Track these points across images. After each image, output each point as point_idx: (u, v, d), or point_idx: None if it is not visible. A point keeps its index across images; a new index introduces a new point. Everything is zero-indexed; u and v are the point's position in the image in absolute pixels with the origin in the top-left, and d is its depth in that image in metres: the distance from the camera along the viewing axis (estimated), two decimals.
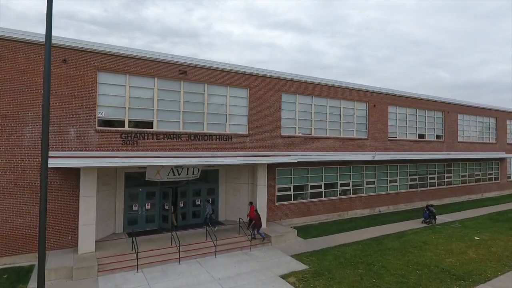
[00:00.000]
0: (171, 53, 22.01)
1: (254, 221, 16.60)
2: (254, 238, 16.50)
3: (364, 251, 15.71)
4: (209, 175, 19.29)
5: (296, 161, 18.69)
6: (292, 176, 20.80)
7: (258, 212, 17.02)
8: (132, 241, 14.18)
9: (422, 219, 22.06)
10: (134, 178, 17.10)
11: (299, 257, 14.85)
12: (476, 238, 18.16)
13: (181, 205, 18.09)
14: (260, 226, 16.59)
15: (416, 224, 21.39)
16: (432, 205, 22.28)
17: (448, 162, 30.09)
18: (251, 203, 17.85)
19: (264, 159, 17.58)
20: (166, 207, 17.85)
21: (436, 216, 22.26)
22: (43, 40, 13.67)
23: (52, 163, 12.21)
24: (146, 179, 16.63)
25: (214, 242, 15.11)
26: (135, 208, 17.01)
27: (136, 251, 13.32)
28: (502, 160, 35.42)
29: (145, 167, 16.23)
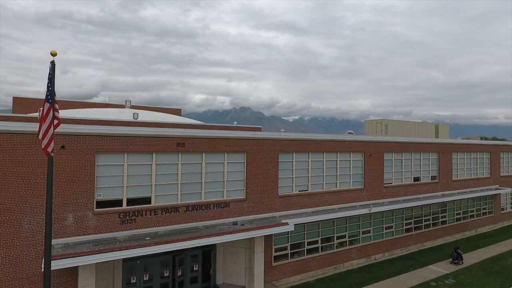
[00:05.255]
0: (169, 122, 22.21)
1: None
2: None
3: None
4: None
5: (293, 228, 18.85)
6: (289, 235, 20.97)
7: None
8: None
9: (451, 259, 24.70)
10: None
11: None
12: None
13: (179, 273, 18.18)
14: None
15: (411, 278, 21.66)
16: (459, 248, 25.26)
17: (443, 202, 30.40)
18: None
19: (262, 231, 17.73)
20: (166, 275, 17.96)
21: (459, 259, 24.42)
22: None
23: (53, 265, 12.24)
24: None
25: None
26: (133, 281, 17.07)
27: None
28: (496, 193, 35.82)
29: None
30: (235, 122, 39.35)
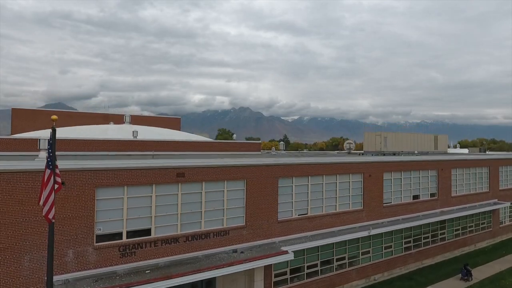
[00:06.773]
0: (169, 158, 22.15)
1: None
2: None
3: None
4: None
5: (292, 257, 18.88)
6: (289, 260, 20.96)
7: None
8: None
9: (460, 276, 25.27)
10: None
11: None
12: None
13: None
14: None
15: None
16: (468, 264, 25.85)
17: (442, 219, 30.42)
18: None
19: (262, 262, 17.75)
20: None
21: (469, 275, 25.08)
22: (41, 167, 13.67)
23: None
24: None
25: None
26: None
27: None
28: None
29: None
30: (235, 136, 39.37)
